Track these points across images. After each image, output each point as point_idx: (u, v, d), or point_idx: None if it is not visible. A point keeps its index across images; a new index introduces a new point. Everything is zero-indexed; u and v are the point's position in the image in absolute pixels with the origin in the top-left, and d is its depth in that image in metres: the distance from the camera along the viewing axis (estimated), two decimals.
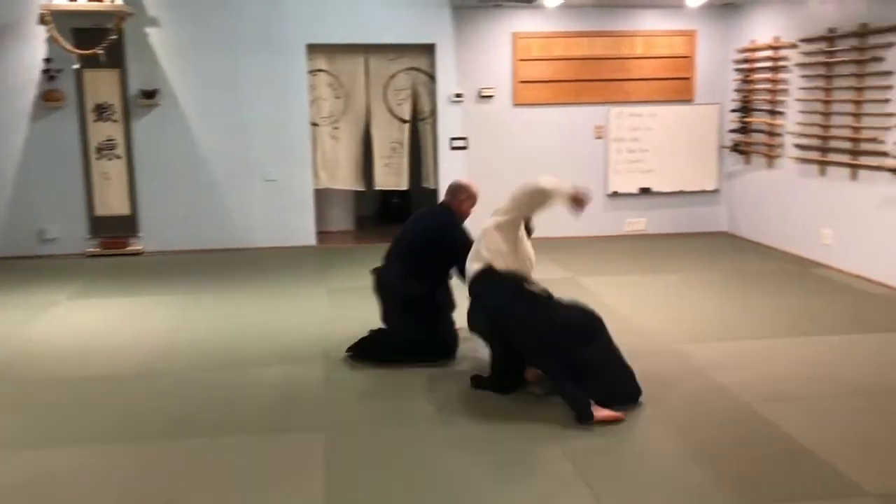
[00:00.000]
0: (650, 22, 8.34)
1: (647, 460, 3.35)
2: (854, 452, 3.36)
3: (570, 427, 3.65)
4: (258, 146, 8.04)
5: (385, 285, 4.67)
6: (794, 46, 7.29)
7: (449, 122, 8.25)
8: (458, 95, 8.17)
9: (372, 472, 3.28)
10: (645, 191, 8.58)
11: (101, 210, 7.84)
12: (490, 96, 8.23)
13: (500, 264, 4.06)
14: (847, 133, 6.57)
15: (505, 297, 3.98)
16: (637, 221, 8.65)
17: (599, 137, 8.45)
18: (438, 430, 3.67)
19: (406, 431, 3.67)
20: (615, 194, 8.55)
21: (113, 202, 7.86)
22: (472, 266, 4.13)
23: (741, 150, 8.29)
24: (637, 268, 7.06)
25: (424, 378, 4.34)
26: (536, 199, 4.07)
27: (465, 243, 4.42)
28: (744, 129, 8.21)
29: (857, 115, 6.45)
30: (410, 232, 4.76)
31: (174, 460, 3.42)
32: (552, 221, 8.30)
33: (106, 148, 7.78)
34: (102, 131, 7.75)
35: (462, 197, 4.73)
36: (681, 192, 8.67)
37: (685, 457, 3.36)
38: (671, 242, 8.25)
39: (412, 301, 4.54)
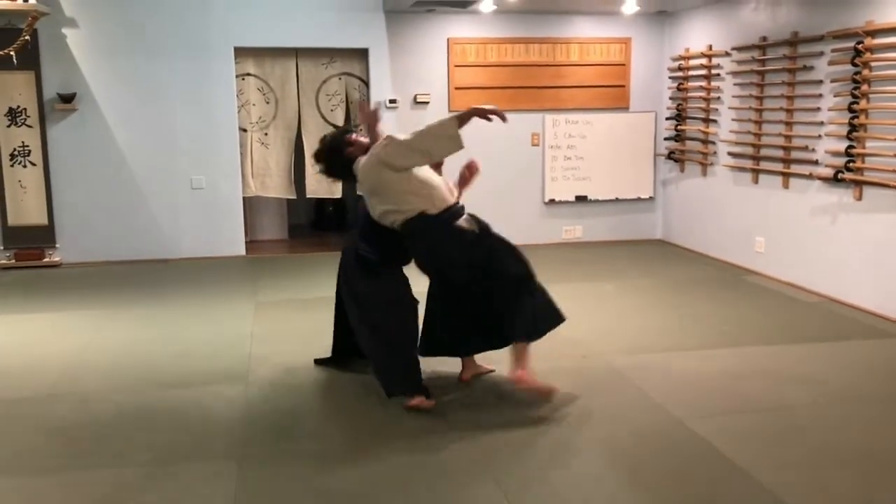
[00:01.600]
0: (585, 29, 8.29)
1: (573, 482, 3.21)
2: (789, 474, 3.27)
3: (500, 452, 3.50)
4: (185, 153, 7.73)
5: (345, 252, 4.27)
6: (727, 55, 7.31)
7: (383, 128, 8.03)
8: (393, 101, 7.99)
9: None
10: (581, 198, 8.53)
11: (14, 220, 7.43)
12: (426, 102, 8.07)
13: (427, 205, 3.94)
14: (779, 141, 6.60)
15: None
16: (573, 229, 8.59)
17: (535, 145, 8.37)
18: (358, 459, 3.48)
19: (324, 463, 3.46)
20: (552, 202, 8.47)
21: (28, 211, 7.46)
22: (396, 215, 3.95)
23: (676, 157, 8.29)
24: (572, 276, 6.97)
25: (353, 397, 4.15)
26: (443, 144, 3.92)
27: None
28: (678, 136, 8.22)
29: (788, 124, 6.47)
30: None
31: (71, 497, 3.15)
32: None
33: (20, 155, 7.38)
34: (16, 137, 7.36)
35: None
36: (616, 200, 8.64)
37: (614, 477, 3.23)
38: (607, 250, 8.21)
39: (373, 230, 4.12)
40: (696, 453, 3.46)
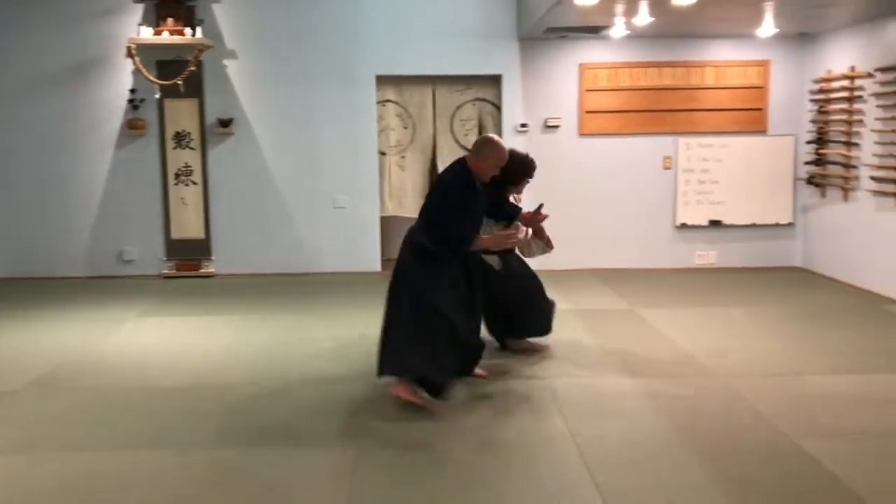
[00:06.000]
0: (721, 52, 8.21)
1: (682, 494, 3.26)
2: None
3: (599, 458, 3.59)
4: (328, 174, 8.25)
5: (405, 239, 4.61)
6: (870, 76, 7.04)
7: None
8: (524, 125, 8.21)
9: (395, 492, 3.30)
10: (715, 223, 8.38)
11: (176, 233, 8.18)
12: (556, 126, 8.24)
13: None
14: None
15: None
16: (707, 255, 8.45)
17: (668, 168, 8.33)
18: (471, 457, 3.67)
19: (438, 452, 3.68)
20: (683, 226, 8.38)
21: (188, 226, 8.19)
22: None
23: (817, 182, 8.01)
24: (702, 301, 6.89)
25: (485, 409, 4.35)
26: None
27: (458, 203, 4.34)
28: (819, 161, 7.94)
29: None
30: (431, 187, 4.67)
31: (207, 469, 3.52)
32: (612, 251, 8.25)
33: (183, 174, 8.14)
34: (181, 158, 8.12)
35: (486, 153, 4.38)
36: (753, 226, 8.43)
37: (720, 492, 3.25)
38: (742, 276, 8.01)
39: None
40: (808, 474, 3.42)
